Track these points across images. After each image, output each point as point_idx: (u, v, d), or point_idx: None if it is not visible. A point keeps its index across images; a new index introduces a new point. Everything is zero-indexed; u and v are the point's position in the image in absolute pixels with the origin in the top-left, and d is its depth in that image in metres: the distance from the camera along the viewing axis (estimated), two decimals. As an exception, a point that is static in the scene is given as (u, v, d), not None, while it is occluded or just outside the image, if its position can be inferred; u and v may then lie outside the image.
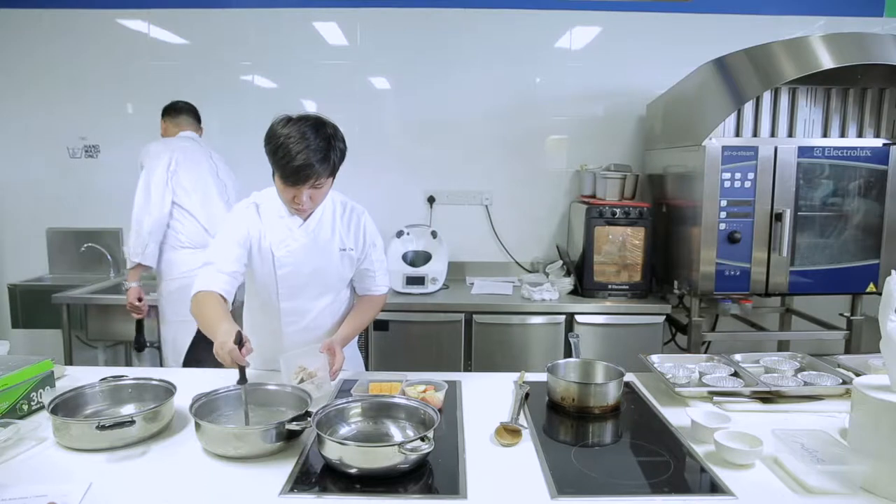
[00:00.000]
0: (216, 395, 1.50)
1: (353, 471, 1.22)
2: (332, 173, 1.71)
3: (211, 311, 1.63)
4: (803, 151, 2.59)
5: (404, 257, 3.17)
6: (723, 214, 2.60)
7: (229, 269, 1.74)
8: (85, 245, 3.50)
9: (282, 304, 1.85)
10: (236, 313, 1.82)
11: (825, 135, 2.66)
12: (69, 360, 3.07)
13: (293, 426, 1.34)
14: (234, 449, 1.31)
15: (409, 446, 1.21)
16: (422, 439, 1.24)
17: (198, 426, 1.36)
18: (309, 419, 1.34)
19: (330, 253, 1.85)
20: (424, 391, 1.60)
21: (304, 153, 1.60)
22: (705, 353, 2.15)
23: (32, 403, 1.55)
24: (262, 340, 1.89)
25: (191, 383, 1.60)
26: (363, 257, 1.91)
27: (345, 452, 1.22)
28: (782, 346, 3.13)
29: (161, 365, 3.03)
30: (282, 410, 1.50)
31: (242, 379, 1.46)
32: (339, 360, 1.68)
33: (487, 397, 1.69)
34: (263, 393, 1.56)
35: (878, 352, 1.26)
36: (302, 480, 1.23)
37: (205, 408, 1.45)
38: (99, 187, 3.55)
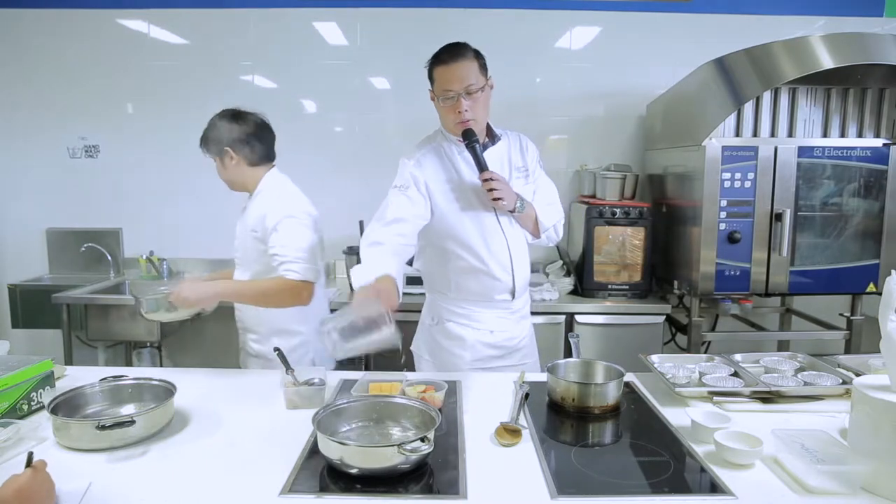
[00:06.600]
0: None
1: (353, 471, 1.22)
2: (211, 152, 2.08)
3: None
4: (803, 151, 2.59)
5: (404, 257, 3.16)
6: (723, 214, 2.60)
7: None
8: (85, 245, 3.49)
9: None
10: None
11: (825, 135, 2.66)
12: (69, 360, 3.06)
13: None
14: None
15: (409, 447, 1.21)
16: (422, 440, 1.24)
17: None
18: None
19: (242, 236, 2.09)
20: (424, 391, 1.60)
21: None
22: (705, 353, 2.15)
23: (32, 403, 1.55)
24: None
25: (191, 383, 1.60)
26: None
27: (345, 452, 1.22)
28: (782, 346, 3.13)
29: (161, 365, 3.03)
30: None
31: None
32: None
33: (487, 397, 1.69)
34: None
35: (878, 352, 1.26)
36: (302, 480, 1.23)
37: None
38: (99, 187, 3.55)
